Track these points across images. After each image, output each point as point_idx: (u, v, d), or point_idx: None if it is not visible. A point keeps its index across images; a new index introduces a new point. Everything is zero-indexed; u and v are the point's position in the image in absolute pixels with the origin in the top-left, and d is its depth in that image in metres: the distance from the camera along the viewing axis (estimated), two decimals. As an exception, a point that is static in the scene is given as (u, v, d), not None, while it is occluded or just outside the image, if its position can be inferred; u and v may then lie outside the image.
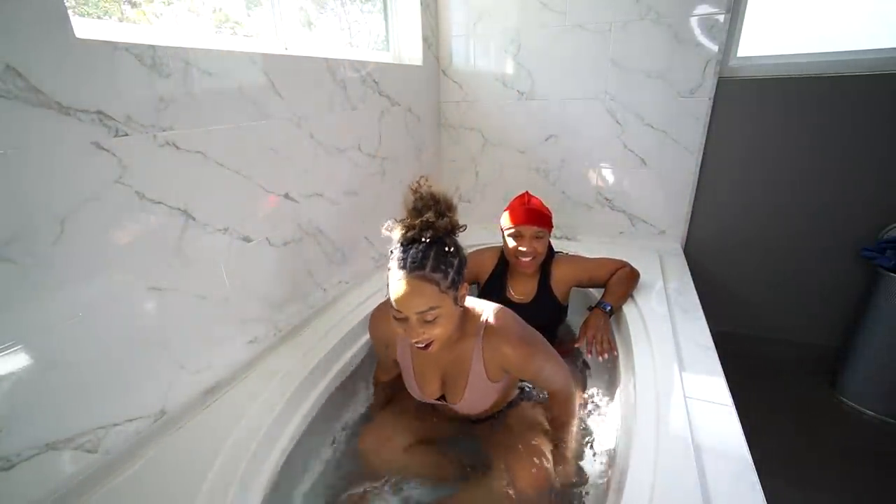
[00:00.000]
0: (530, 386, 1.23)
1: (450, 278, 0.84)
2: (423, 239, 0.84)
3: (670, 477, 0.82)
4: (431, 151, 2.21)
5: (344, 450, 1.20)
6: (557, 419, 1.09)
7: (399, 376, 1.15)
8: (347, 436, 1.25)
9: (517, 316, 1.01)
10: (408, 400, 1.16)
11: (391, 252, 0.88)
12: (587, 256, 1.55)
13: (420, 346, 0.86)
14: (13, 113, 0.71)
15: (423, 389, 1.05)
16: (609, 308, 1.37)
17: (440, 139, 2.29)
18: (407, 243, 0.85)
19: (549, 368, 0.98)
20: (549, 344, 1.02)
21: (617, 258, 1.52)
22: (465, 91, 2.16)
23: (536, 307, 1.42)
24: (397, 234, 0.87)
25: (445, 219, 0.86)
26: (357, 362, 1.39)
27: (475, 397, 0.99)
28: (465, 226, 0.92)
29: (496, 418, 1.15)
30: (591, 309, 1.40)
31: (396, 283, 0.82)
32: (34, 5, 0.72)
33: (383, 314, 1.04)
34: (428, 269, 0.81)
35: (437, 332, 0.84)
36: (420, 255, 0.82)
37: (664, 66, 1.78)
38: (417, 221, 0.84)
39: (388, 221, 0.89)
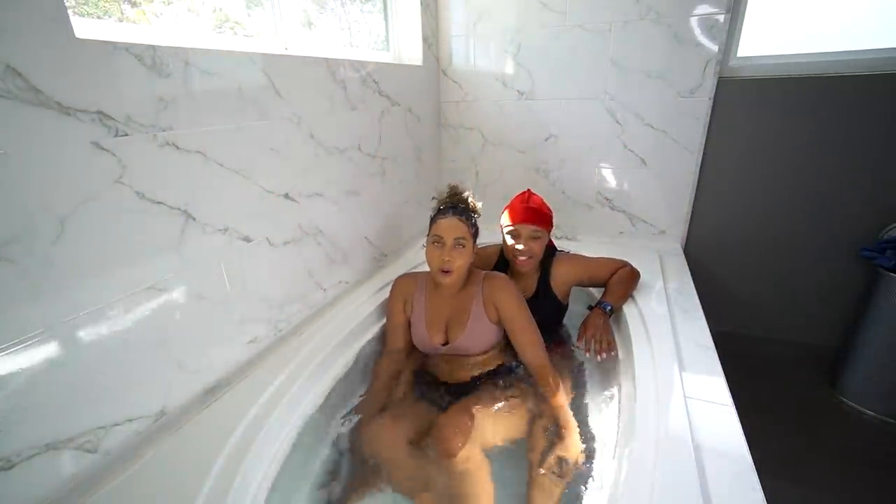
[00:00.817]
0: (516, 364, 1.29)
1: (473, 229, 1.26)
2: (460, 205, 1.29)
3: (670, 477, 0.82)
4: (431, 151, 2.21)
5: (344, 449, 1.20)
6: (546, 394, 1.17)
7: (398, 372, 1.31)
8: (347, 435, 1.24)
9: None
10: (406, 401, 1.24)
11: (435, 212, 1.30)
12: (588, 256, 1.55)
13: (445, 269, 1.20)
14: (13, 113, 0.71)
15: (431, 337, 1.28)
16: (609, 308, 1.37)
17: (440, 139, 2.29)
18: (455, 204, 1.29)
19: (529, 322, 1.24)
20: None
21: (617, 258, 1.52)
22: (465, 91, 2.16)
23: (536, 304, 1.41)
24: (443, 199, 1.32)
25: (471, 201, 1.33)
26: (357, 362, 1.39)
27: (474, 333, 1.24)
28: (480, 214, 1.33)
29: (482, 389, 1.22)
30: (591, 308, 1.41)
31: (443, 219, 1.23)
32: (34, 5, 0.72)
33: (407, 277, 1.39)
34: (464, 215, 1.26)
35: (460, 262, 1.20)
36: (460, 208, 1.28)
37: (664, 66, 1.78)
38: (457, 197, 1.31)
39: (434, 197, 1.37)
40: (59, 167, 0.77)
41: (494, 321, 1.25)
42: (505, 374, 1.27)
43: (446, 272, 1.20)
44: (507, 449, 1.11)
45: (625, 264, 1.50)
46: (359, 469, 1.11)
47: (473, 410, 1.10)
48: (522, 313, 1.24)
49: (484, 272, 1.31)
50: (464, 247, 1.21)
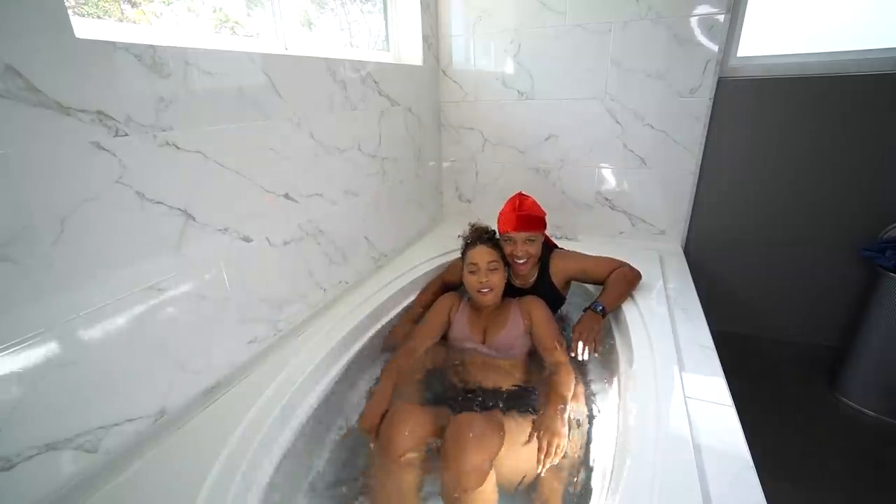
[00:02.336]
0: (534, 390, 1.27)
1: (501, 253, 1.42)
2: (485, 235, 1.45)
3: (670, 477, 0.82)
4: (431, 151, 2.21)
5: (343, 449, 1.20)
6: (556, 384, 1.21)
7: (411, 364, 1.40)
8: (346, 434, 1.25)
9: None
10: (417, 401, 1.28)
11: (467, 243, 1.46)
12: (587, 254, 1.55)
13: (484, 290, 1.36)
14: (13, 113, 0.71)
15: (473, 335, 1.42)
16: (601, 308, 1.38)
17: (440, 139, 2.29)
18: (479, 236, 1.45)
19: (553, 326, 1.38)
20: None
21: (617, 259, 1.53)
22: (465, 91, 2.16)
23: (534, 292, 1.50)
24: (476, 230, 1.48)
25: (493, 230, 1.49)
26: (357, 363, 1.39)
27: (510, 335, 1.38)
28: (496, 230, 1.51)
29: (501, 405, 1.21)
30: (585, 311, 1.41)
31: (474, 249, 1.41)
32: (34, 5, 0.72)
33: (453, 295, 1.56)
34: (491, 244, 1.42)
35: (496, 280, 1.38)
36: (485, 238, 1.43)
37: (664, 66, 1.78)
38: (481, 229, 1.48)
39: (465, 229, 1.51)
40: (59, 167, 0.77)
41: (527, 331, 1.38)
42: (521, 398, 1.26)
43: (486, 291, 1.37)
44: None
45: (622, 264, 1.50)
46: (355, 470, 1.11)
47: (491, 422, 1.07)
48: (549, 320, 1.39)
49: (517, 298, 1.47)
50: (496, 269, 1.38)
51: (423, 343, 1.41)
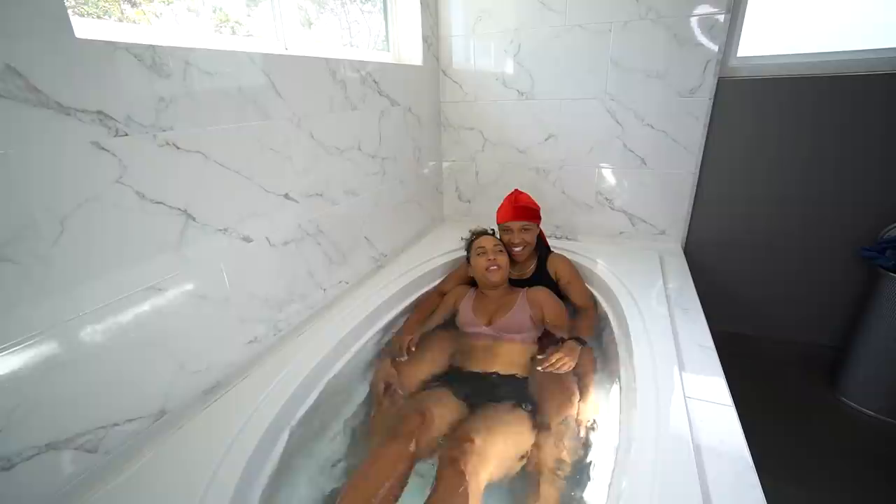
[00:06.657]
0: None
1: (502, 244, 1.61)
2: (490, 232, 1.65)
3: (670, 477, 0.82)
4: (431, 151, 2.21)
5: (343, 449, 1.20)
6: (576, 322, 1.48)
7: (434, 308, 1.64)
8: (346, 435, 1.24)
9: None
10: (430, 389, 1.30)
11: (473, 239, 1.64)
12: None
13: (493, 268, 1.51)
14: (13, 113, 0.71)
15: (477, 319, 1.50)
16: (583, 341, 1.37)
17: (440, 139, 2.29)
18: (483, 231, 1.66)
19: (563, 307, 1.51)
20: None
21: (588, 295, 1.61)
22: (465, 91, 2.16)
23: (533, 282, 1.61)
24: (477, 230, 1.68)
25: (492, 230, 1.69)
26: (356, 362, 1.39)
27: (516, 317, 1.46)
28: (495, 230, 1.71)
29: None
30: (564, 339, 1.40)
31: (483, 237, 1.61)
32: (34, 5, 0.72)
33: (462, 286, 1.68)
34: (496, 237, 1.61)
35: (502, 260, 1.53)
36: (489, 233, 1.64)
37: (664, 66, 1.78)
38: (483, 229, 1.67)
39: (468, 232, 1.70)
40: (59, 167, 0.77)
41: (535, 319, 1.45)
42: (518, 388, 1.27)
43: (495, 269, 1.50)
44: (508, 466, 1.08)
45: (593, 303, 1.57)
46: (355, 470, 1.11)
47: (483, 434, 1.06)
48: (559, 304, 1.50)
49: (525, 287, 1.57)
50: (502, 251, 1.56)
51: (432, 304, 1.63)
